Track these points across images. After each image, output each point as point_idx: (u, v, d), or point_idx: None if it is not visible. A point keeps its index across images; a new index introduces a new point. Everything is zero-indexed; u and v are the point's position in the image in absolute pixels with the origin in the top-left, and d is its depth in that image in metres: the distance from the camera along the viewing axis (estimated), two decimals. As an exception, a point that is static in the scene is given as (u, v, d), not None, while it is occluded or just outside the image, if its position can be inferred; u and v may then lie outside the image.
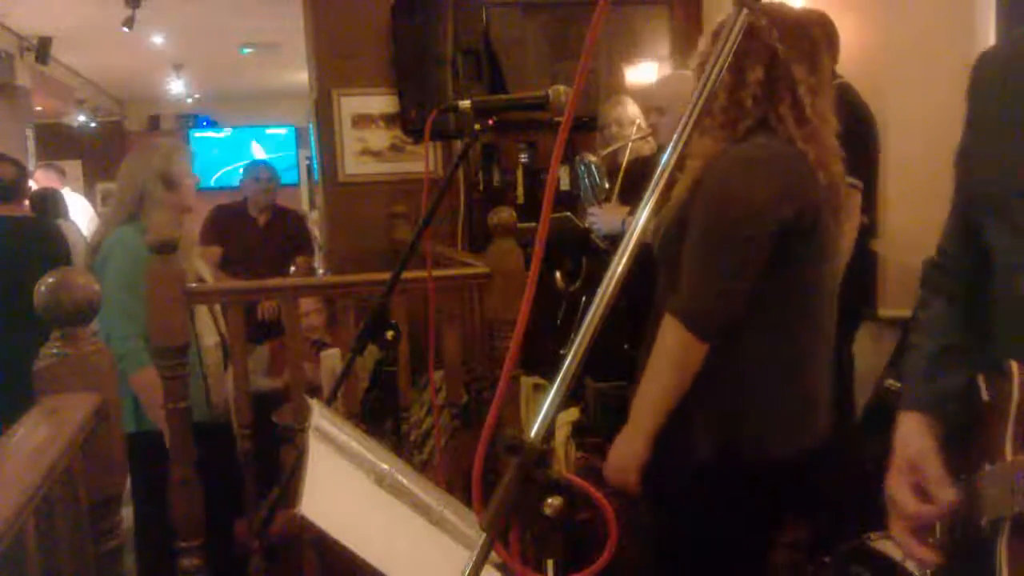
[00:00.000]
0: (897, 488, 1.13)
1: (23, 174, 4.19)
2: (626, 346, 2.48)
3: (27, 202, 4.51)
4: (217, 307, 2.83)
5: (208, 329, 2.79)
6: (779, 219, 1.59)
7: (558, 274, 3.65)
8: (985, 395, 1.09)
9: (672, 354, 1.64)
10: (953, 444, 1.13)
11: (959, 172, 1.24)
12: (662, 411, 1.66)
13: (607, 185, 3.29)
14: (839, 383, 2.88)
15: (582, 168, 3.35)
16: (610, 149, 3.39)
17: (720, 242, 1.62)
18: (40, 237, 4.09)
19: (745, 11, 0.80)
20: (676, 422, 1.66)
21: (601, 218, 3.11)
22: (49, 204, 5.65)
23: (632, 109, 3.63)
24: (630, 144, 3.38)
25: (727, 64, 0.80)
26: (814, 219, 1.63)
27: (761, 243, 1.59)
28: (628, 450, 1.69)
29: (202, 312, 2.80)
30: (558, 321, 3.52)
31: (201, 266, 2.95)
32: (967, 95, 1.22)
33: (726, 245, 1.61)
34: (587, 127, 3.78)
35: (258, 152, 11.36)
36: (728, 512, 1.67)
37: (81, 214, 6.38)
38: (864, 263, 2.93)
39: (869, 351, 3.18)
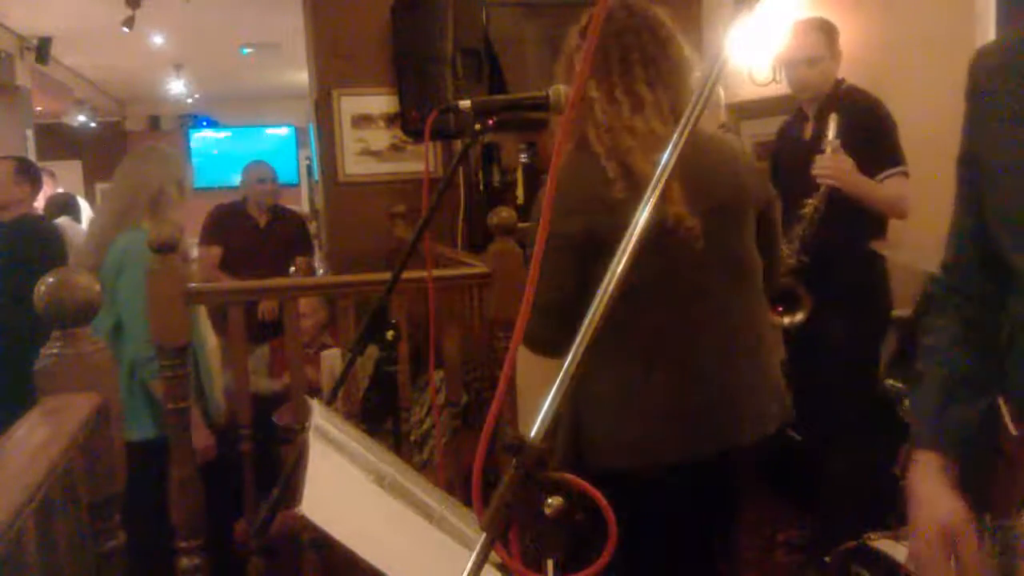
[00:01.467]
0: (927, 551, 1.06)
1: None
2: None
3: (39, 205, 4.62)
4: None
5: (208, 331, 2.80)
6: (566, 235, 1.60)
7: None
8: (1013, 429, 1.02)
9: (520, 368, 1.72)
10: (969, 478, 1.07)
11: (965, 179, 1.16)
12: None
13: None
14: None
15: None
16: None
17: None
18: (41, 237, 4.12)
19: (745, 10, 0.80)
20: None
21: None
22: (68, 210, 5.72)
23: None
24: None
25: (725, 65, 0.80)
26: (611, 230, 1.56)
27: (557, 259, 1.59)
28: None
29: (203, 314, 2.80)
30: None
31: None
32: (968, 96, 1.17)
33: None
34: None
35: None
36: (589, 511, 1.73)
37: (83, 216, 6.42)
38: (875, 268, 2.93)
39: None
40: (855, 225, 2.80)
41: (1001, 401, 1.04)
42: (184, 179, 2.87)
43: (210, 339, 2.80)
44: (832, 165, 2.71)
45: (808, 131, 2.99)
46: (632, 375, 1.67)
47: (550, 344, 1.60)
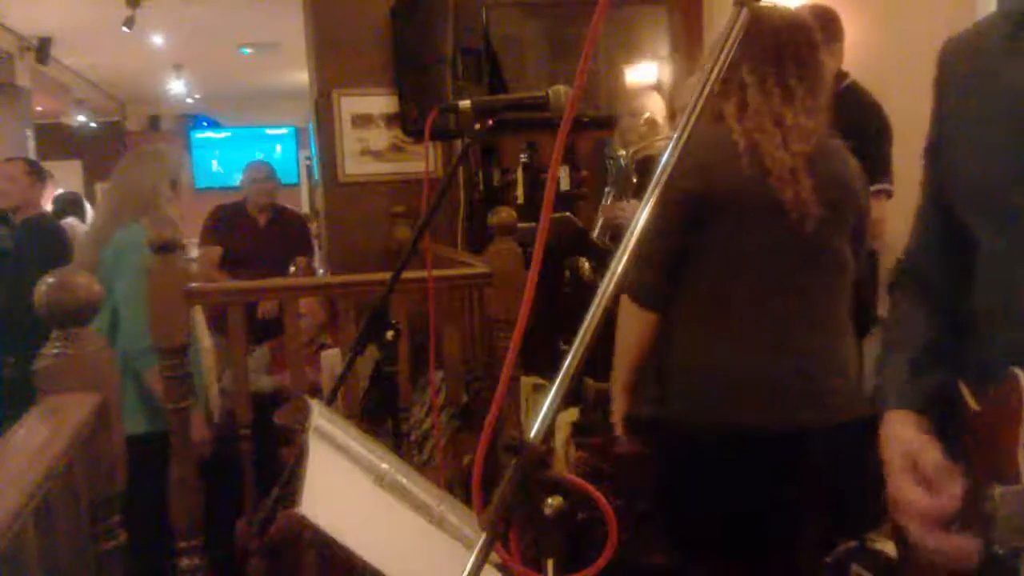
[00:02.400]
0: (902, 488, 1.04)
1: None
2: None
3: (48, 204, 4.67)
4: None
5: (201, 331, 2.79)
6: (683, 189, 1.73)
7: (587, 265, 3.65)
8: (973, 404, 1.02)
9: (620, 320, 1.87)
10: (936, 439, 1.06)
11: (931, 166, 1.18)
12: (624, 369, 1.92)
13: (635, 180, 3.29)
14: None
15: (610, 162, 3.36)
16: (641, 144, 3.39)
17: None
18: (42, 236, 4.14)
19: (744, 10, 0.80)
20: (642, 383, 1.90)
21: (628, 213, 3.09)
22: (74, 208, 5.76)
23: (651, 103, 3.60)
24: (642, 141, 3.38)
25: (727, 63, 0.80)
26: (727, 198, 1.76)
27: (669, 211, 1.73)
28: (613, 405, 1.99)
29: (197, 315, 2.79)
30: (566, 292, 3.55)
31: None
32: (935, 83, 1.18)
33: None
34: (587, 127, 3.78)
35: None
36: (666, 465, 1.90)
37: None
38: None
39: (869, 351, 3.18)
40: None
41: (961, 382, 1.05)
42: (179, 176, 2.86)
43: (204, 340, 2.80)
44: None
45: None
46: (721, 337, 1.80)
47: (653, 291, 1.81)
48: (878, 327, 3.09)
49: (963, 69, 1.12)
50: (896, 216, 3.14)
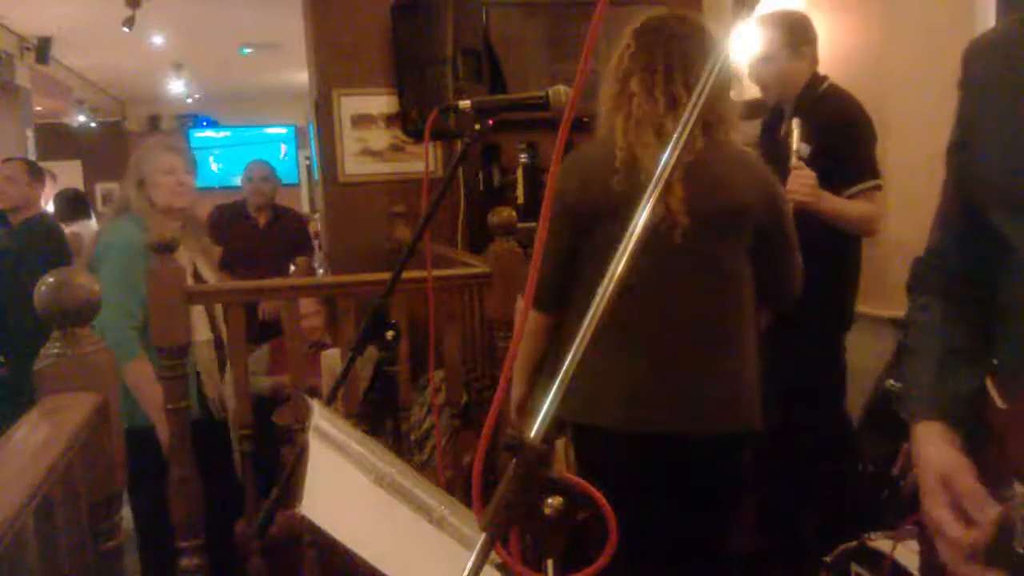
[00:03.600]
0: (936, 512, 1.04)
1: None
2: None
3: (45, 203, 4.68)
4: (217, 307, 2.82)
5: (201, 325, 2.79)
6: (565, 202, 1.84)
7: None
8: (1000, 403, 1.02)
9: (527, 322, 1.97)
10: (965, 454, 1.06)
11: (955, 166, 1.17)
12: (521, 361, 2.03)
13: None
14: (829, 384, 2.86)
15: None
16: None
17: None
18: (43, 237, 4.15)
19: (745, 10, 0.80)
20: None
21: None
22: (74, 206, 5.75)
23: None
24: None
25: (725, 64, 0.79)
26: (603, 211, 1.81)
27: (556, 220, 1.85)
28: (512, 393, 2.11)
29: (196, 309, 2.79)
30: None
31: (201, 264, 2.93)
32: (961, 85, 1.18)
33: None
34: (587, 127, 3.78)
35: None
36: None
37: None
38: (847, 264, 2.84)
39: (869, 351, 3.17)
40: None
41: (988, 378, 1.04)
42: (141, 171, 2.78)
43: (202, 332, 2.78)
44: (793, 185, 2.49)
45: (784, 129, 2.81)
46: (601, 352, 1.82)
47: (539, 295, 1.90)
48: (892, 329, 3.09)
49: (989, 70, 1.12)
50: (898, 215, 3.14)
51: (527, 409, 2.10)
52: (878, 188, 2.70)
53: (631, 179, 1.76)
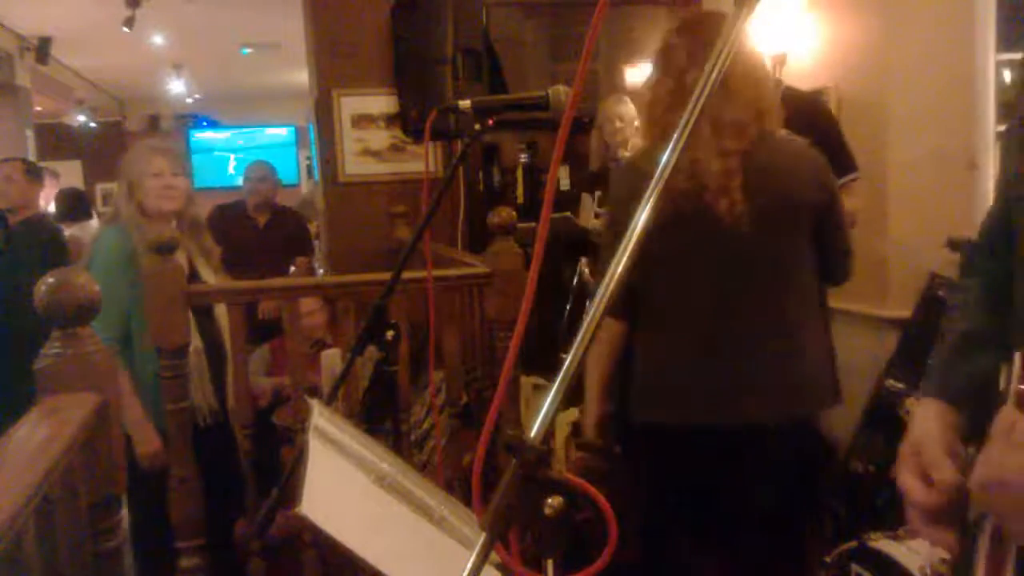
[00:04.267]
0: (902, 478, 1.09)
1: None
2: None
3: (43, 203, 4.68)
4: (219, 309, 2.81)
5: (194, 332, 2.77)
6: (613, 213, 1.90)
7: (587, 270, 3.68)
8: (1002, 384, 1.03)
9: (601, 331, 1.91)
10: (980, 435, 1.07)
11: (1004, 158, 1.21)
12: (594, 378, 2.01)
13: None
14: None
15: (614, 166, 3.40)
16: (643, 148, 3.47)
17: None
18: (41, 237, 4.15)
19: (745, 10, 0.80)
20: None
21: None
22: (75, 206, 5.75)
23: (633, 108, 3.66)
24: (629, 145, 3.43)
25: (724, 67, 0.79)
26: (666, 212, 1.76)
27: (610, 232, 1.93)
28: (586, 412, 2.07)
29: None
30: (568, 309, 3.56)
31: (201, 265, 2.92)
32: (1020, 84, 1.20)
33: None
34: (587, 127, 3.79)
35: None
36: (629, 463, 2.03)
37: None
38: None
39: (869, 351, 3.18)
40: None
41: (1017, 355, 1.06)
42: (129, 174, 2.74)
43: (193, 340, 2.78)
44: None
45: None
46: (666, 341, 1.93)
47: (613, 308, 1.86)
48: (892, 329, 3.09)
49: None
50: (898, 215, 3.14)
51: (606, 427, 2.06)
52: (858, 179, 2.74)
53: (694, 178, 1.80)
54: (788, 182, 1.89)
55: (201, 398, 2.75)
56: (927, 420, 1.11)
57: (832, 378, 1.98)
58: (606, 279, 0.77)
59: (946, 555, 1.07)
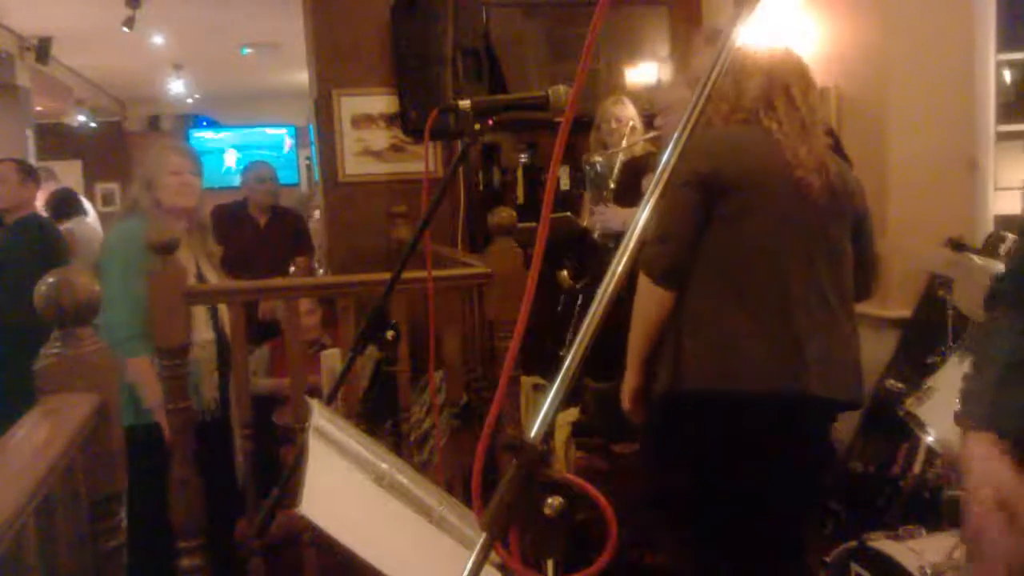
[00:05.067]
0: (991, 531, 1.06)
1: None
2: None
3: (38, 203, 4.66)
4: (221, 307, 2.83)
5: (201, 325, 2.79)
6: (695, 171, 1.89)
7: (565, 272, 3.69)
8: None
9: (638, 297, 1.96)
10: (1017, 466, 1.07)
11: None
12: (638, 345, 2.00)
13: (612, 185, 3.34)
14: None
15: (588, 168, 3.40)
16: (615, 150, 3.45)
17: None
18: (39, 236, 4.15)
19: (746, 10, 0.80)
20: (656, 360, 1.98)
21: (606, 217, 3.13)
22: (67, 205, 5.74)
23: (631, 109, 3.67)
24: (624, 144, 3.44)
25: (725, 67, 0.80)
26: (735, 182, 1.90)
27: (681, 194, 1.89)
28: (625, 381, 2.06)
29: (199, 308, 2.80)
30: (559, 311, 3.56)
31: (205, 266, 2.94)
32: None
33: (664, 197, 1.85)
34: (587, 127, 3.79)
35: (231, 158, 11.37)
36: (674, 438, 1.99)
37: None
38: None
39: (869, 351, 3.18)
40: None
41: None
42: (149, 172, 2.83)
43: (203, 332, 2.79)
44: None
45: None
46: (725, 312, 1.92)
47: (667, 270, 1.91)
48: (892, 330, 3.08)
49: None
50: (898, 216, 3.14)
51: (641, 399, 2.07)
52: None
53: (776, 155, 1.92)
54: (847, 184, 2.02)
55: (208, 391, 2.78)
56: (999, 464, 1.08)
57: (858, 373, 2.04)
58: (606, 280, 0.76)
59: (952, 556, 1.06)
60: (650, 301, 1.94)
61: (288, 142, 11.91)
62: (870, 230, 2.10)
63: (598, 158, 3.47)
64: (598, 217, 3.31)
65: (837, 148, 2.72)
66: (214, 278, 2.95)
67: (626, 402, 2.09)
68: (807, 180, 1.91)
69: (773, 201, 1.92)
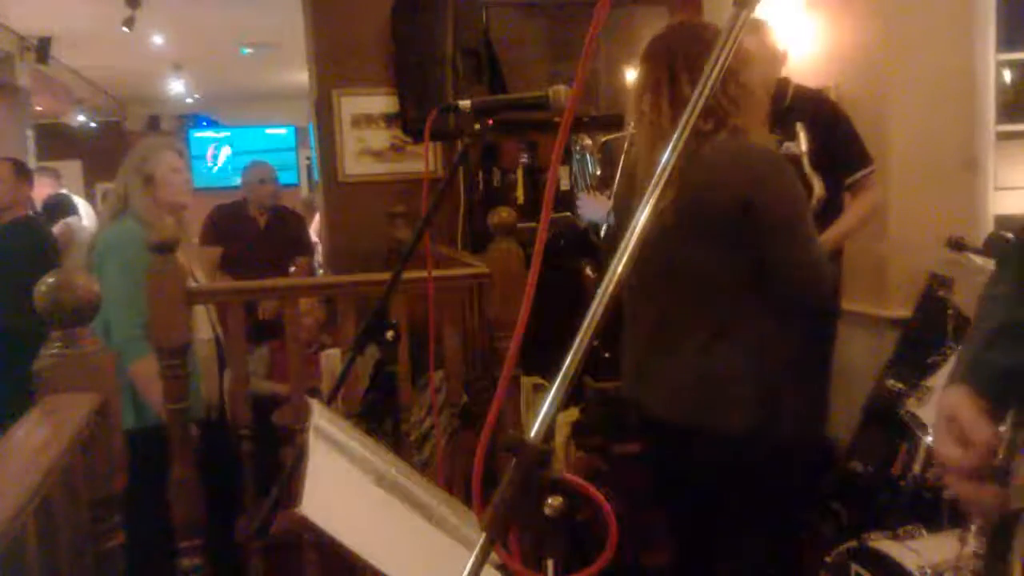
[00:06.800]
0: (941, 444, 1.12)
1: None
2: (595, 343, 2.51)
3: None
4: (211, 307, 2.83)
5: (201, 324, 2.79)
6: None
7: (588, 269, 3.68)
8: None
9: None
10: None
11: None
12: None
13: (598, 172, 3.32)
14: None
15: (576, 153, 3.38)
16: (609, 137, 3.43)
17: (804, 219, 1.85)
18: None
19: (745, 11, 0.80)
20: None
21: (586, 205, 3.07)
22: (60, 211, 5.74)
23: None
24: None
25: (727, 64, 0.79)
26: (618, 209, 2.07)
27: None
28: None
29: (197, 308, 2.79)
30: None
31: (193, 263, 2.94)
32: None
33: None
34: (587, 126, 3.80)
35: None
36: (759, 483, 1.86)
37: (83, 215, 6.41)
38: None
39: (869, 351, 3.18)
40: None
41: None
42: (147, 168, 2.78)
43: (203, 330, 2.79)
44: None
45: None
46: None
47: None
48: (892, 330, 3.08)
49: None
50: (898, 215, 3.14)
51: None
52: (874, 171, 2.78)
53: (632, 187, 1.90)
54: (715, 190, 1.77)
55: (207, 390, 2.78)
56: (955, 397, 1.13)
57: (746, 398, 1.82)
58: (606, 280, 0.76)
59: (952, 555, 1.10)
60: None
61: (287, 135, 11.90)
62: (775, 224, 1.79)
63: (587, 141, 3.45)
64: (581, 205, 3.26)
65: (827, 118, 2.70)
66: (203, 277, 2.96)
67: None
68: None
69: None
